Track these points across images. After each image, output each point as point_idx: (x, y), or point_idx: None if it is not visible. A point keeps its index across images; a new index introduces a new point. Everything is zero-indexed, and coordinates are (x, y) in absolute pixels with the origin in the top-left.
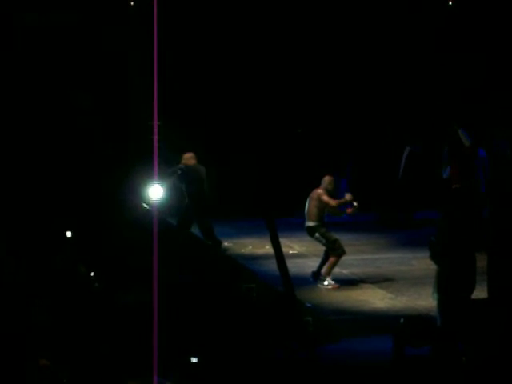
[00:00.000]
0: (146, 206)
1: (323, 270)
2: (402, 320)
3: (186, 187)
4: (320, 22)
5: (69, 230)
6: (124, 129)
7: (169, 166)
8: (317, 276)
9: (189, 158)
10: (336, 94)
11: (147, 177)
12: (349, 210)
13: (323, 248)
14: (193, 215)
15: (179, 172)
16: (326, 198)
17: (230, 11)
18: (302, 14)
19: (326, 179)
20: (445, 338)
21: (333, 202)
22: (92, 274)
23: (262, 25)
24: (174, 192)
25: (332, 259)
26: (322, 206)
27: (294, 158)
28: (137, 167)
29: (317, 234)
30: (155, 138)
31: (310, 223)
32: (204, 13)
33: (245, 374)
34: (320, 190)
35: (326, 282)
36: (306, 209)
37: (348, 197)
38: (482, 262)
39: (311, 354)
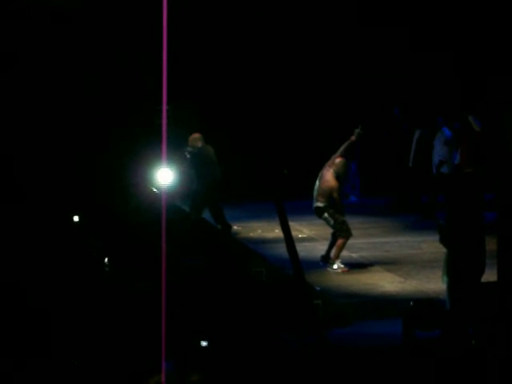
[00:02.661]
0: (155, 190)
1: (332, 254)
2: (411, 303)
3: (196, 171)
4: (319, 19)
5: (77, 214)
6: (132, 113)
7: (177, 150)
8: (326, 259)
9: (196, 140)
10: (343, 77)
11: (156, 160)
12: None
13: (331, 231)
14: (205, 199)
15: (188, 156)
16: (336, 194)
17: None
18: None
19: (338, 162)
20: (454, 321)
21: (336, 194)
22: (104, 258)
23: (266, 20)
24: (184, 177)
25: (339, 242)
26: (333, 188)
27: (303, 140)
28: (145, 151)
29: (325, 214)
30: (164, 121)
31: (319, 203)
32: (213, 6)
33: (254, 357)
34: (333, 183)
35: (335, 266)
36: (316, 189)
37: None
38: (491, 245)
39: (321, 337)
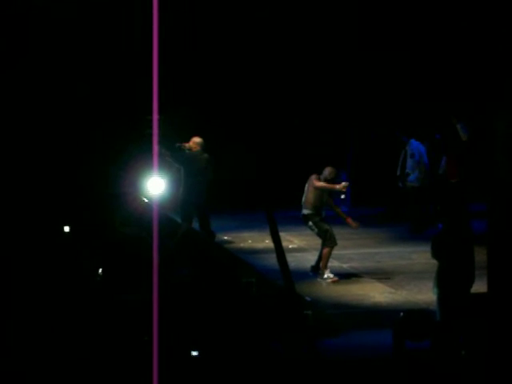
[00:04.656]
0: (145, 199)
1: (320, 265)
2: (401, 314)
3: (184, 176)
4: (314, 17)
5: (67, 224)
6: (123, 122)
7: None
8: (316, 270)
9: (197, 143)
10: (334, 87)
11: (147, 169)
12: (349, 221)
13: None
14: (193, 207)
15: (184, 153)
16: (317, 182)
17: (229, 6)
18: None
19: (327, 169)
20: (444, 331)
21: (319, 184)
22: (95, 269)
23: (258, 19)
24: (176, 184)
25: (324, 251)
26: (319, 195)
27: (294, 150)
28: (136, 160)
29: (310, 223)
30: (155, 131)
31: (305, 211)
32: (204, 7)
33: (245, 367)
34: (313, 176)
35: (325, 276)
36: (304, 196)
37: (342, 186)
38: (481, 255)
39: (311, 347)
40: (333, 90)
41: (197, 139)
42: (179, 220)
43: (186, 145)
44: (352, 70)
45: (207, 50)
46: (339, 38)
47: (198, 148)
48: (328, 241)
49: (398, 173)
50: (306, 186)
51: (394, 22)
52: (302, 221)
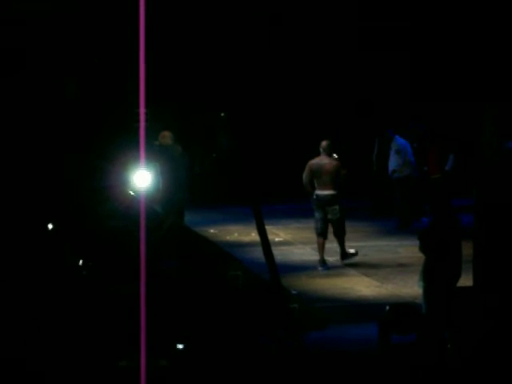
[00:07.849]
0: (132, 193)
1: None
2: (387, 307)
3: (160, 168)
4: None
5: (51, 219)
6: (109, 115)
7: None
8: (345, 256)
9: (165, 137)
10: (318, 81)
11: (134, 163)
12: None
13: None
14: (175, 198)
15: (155, 149)
16: (342, 170)
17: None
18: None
19: (326, 145)
20: (430, 325)
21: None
22: (80, 262)
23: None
24: (161, 178)
25: (321, 241)
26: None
27: (280, 144)
28: (122, 153)
29: (337, 206)
30: (142, 124)
31: (334, 192)
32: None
33: (230, 361)
34: (336, 163)
35: (352, 250)
36: (322, 178)
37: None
38: (468, 249)
39: (297, 341)
40: (321, 85)
41: (165, 133)
42: (164, 213)
43: (156, 142)
44: (342, 67)
45: (199, 46)
46: (326, 37)
47: (169, 141)
48: (342, 230)
49: (375, 167)
50: (317, 166)
51: (391, 21)
52: (325, 200)
